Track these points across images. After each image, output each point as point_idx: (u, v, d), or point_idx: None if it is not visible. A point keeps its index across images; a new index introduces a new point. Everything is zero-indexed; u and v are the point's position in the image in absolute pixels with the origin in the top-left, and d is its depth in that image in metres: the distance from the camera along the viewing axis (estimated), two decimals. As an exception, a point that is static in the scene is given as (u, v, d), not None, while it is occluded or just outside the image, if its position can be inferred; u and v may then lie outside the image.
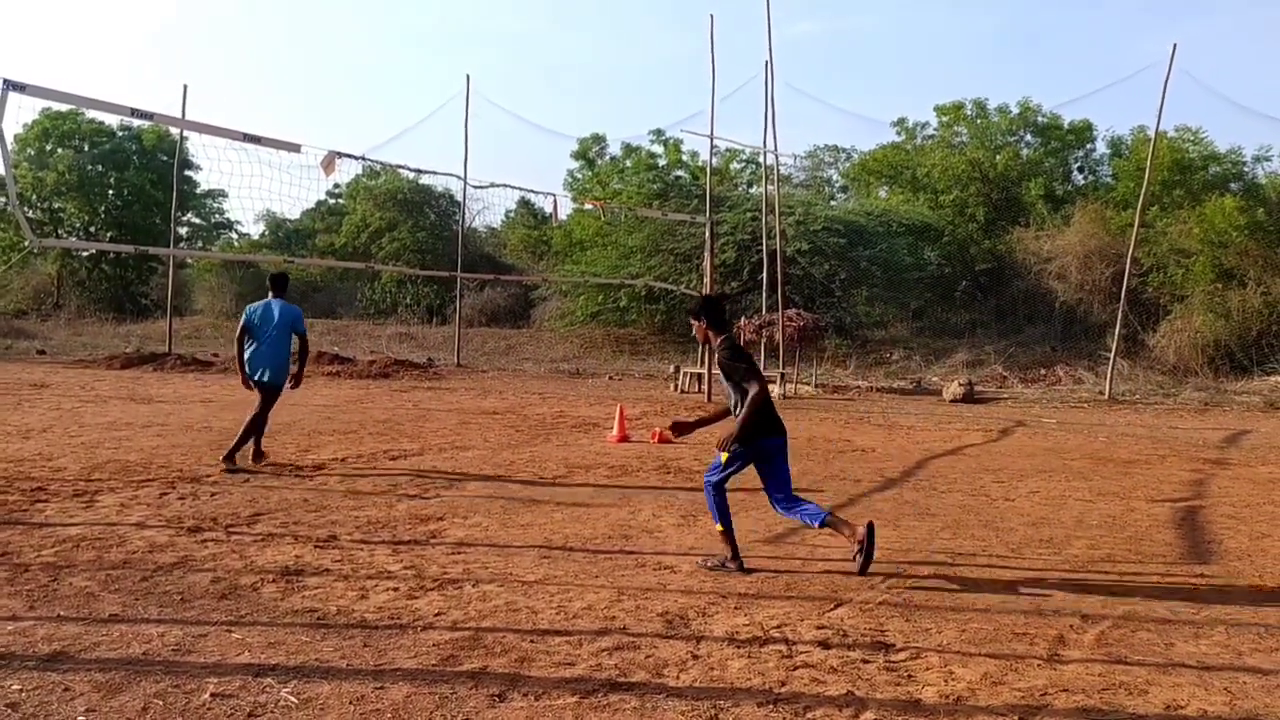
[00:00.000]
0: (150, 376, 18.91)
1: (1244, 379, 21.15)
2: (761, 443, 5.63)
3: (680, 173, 34.75)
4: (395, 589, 5.11)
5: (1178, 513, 7.90)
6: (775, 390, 17.71)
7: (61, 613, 4.57)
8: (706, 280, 18.87)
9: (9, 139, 8.42)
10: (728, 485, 5.81)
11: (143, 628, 4.38)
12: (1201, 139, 27.34)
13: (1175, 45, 18.16)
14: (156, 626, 4.40)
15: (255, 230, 44.09)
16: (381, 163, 23.08)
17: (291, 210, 49.25)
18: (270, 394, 8.98)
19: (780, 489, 5.74)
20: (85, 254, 37.06)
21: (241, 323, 9.16)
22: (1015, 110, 31.62)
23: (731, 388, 5.69)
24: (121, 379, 18.08)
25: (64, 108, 33.73)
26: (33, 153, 36.80)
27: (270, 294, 9.25)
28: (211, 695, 3.65)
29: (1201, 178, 26.74)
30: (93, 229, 38.17)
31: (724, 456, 5.67)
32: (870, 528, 5.55)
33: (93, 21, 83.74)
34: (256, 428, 8.95)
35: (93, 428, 11.08)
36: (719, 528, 5.75)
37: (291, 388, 9.26)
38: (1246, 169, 27.52)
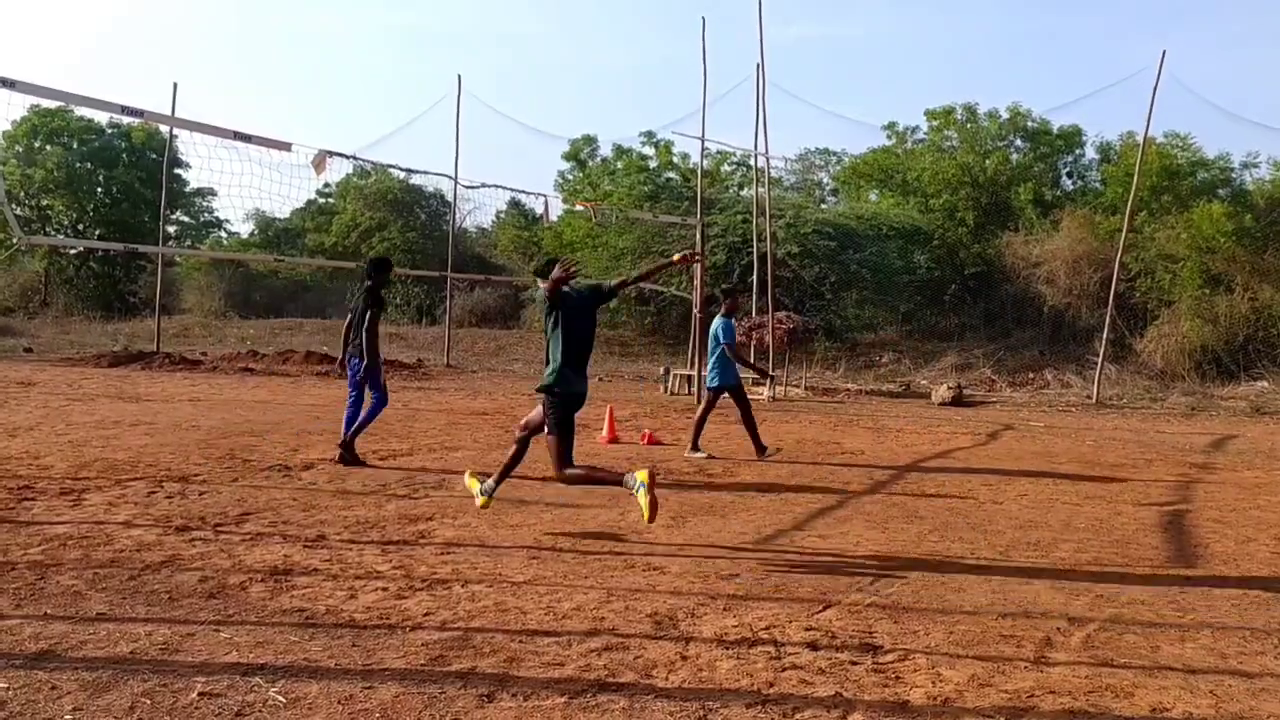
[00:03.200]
0: (138, 375, 18.82)
1: (1231, 384, 21.25)
2: None
3: (671, 175, 34.72)
4: (384, 589, 5.11)
5: (1164, 517, 7.95)
6: (764, 393, 17.73)
7: (48, 611, 4.54)
8: (697, 283, 18.89)
9: (-3, 135, 8.40)
10: None
11: (130, 626, 4.37)
12: (1190, 145, 27.47)
13: (1164, 52, 18.23)
14: (144, 625, 4.39)
15: (244, 229, 43.93)
16: (372, 162, 23.06)
17: (281, 209, 49.08)
18: (710, 394, 10.67)
19: None
20: (73, 251, 36.81)
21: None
22: (1005, 115, 31.72)
23: None
24: (109, 377, 17.99)
25: (53, 104, 33.63)
26: (21, 149, 36.58)
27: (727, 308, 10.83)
28: (199, 694, 3.64)
29: (1190, 184, 26.87)
30: (81, 226, 37.98)
31: None
32: None
33: (81, 14, 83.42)
34: (747, 425, 10.58)
35: (80, 426, 11.03)
36: None
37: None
38: (1234, 175, 27.67)
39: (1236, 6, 67.28)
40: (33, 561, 5.39)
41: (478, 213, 47.98)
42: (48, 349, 24.34)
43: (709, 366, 10.78)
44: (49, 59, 76.94)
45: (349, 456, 9.17)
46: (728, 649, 4.34)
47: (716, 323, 10.65)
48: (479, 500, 6.84)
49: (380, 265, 9.89)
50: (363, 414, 9.29)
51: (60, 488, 7.48)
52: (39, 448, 9.38)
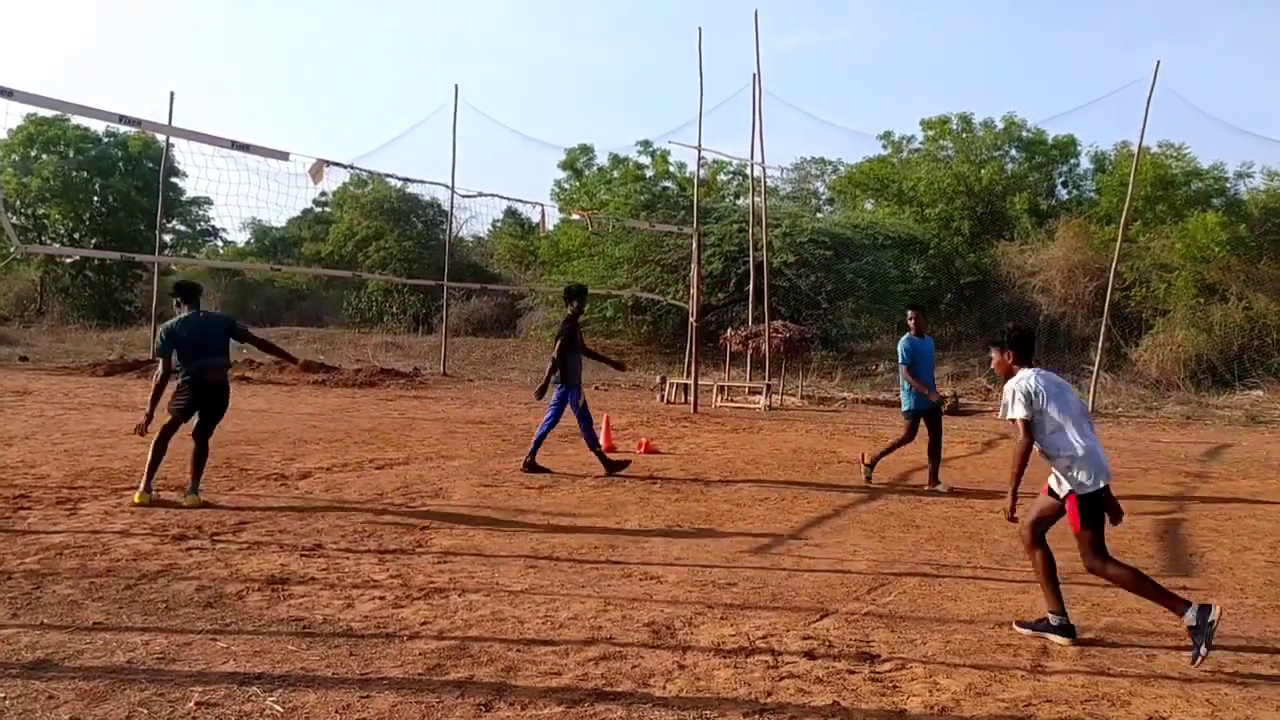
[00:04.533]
0: (134, 384, 18.78)
1: (1225, 393, 21.30)
2: None
3: (668, 184, 34.80)
4: (381, 598, 5.10)
5: (1160, 526, 7.96)
6: (761, 401, 17.76)
7: (45, 620, 4.54)
8: (694, 291, 18.92)
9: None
10: None
11: (127, 636, 4.36)
12: (1184, 155, 27.61)
13: (1159, 62, 18.31)
14: (141, 635, 4.39)
15: (241, 238, 43.99)
16: (369, 171, 22.93)
17: (278, 218, 49.07)
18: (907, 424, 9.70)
19: None
20: (69, 260, 36.76)
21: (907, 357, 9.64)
22: (1000, 125, 31.86)
23: None
24: (105, 386, 17.97)
25: (50, 113, 33.59)
26: (17, 158, 36.57)
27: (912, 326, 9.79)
28: (196, 704, 3.64)
29: (1184, 193, 26.98)
30: (77, 235, 37.94)
31: None
32: None
33: (77, 23, 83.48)
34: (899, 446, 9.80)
35: (76, 435, 11.01)
36: None
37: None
38: (1229, 185, 27.79)
39: (1229, 17, 67.70)
40: (29, 571, 5.38)
41: (474, 222, 47.96)
42: (43, 358, 24.30)
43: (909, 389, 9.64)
44: (45, 60, 77.06)
45: (610, 464, 9.71)
46: (725, 658, 4.34)
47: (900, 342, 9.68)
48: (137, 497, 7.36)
49: (581, 293, 10.16)
50: (559, 428, 9.86)
51: (56, 497, 7.47)
52: (35, 456, 9.37)
